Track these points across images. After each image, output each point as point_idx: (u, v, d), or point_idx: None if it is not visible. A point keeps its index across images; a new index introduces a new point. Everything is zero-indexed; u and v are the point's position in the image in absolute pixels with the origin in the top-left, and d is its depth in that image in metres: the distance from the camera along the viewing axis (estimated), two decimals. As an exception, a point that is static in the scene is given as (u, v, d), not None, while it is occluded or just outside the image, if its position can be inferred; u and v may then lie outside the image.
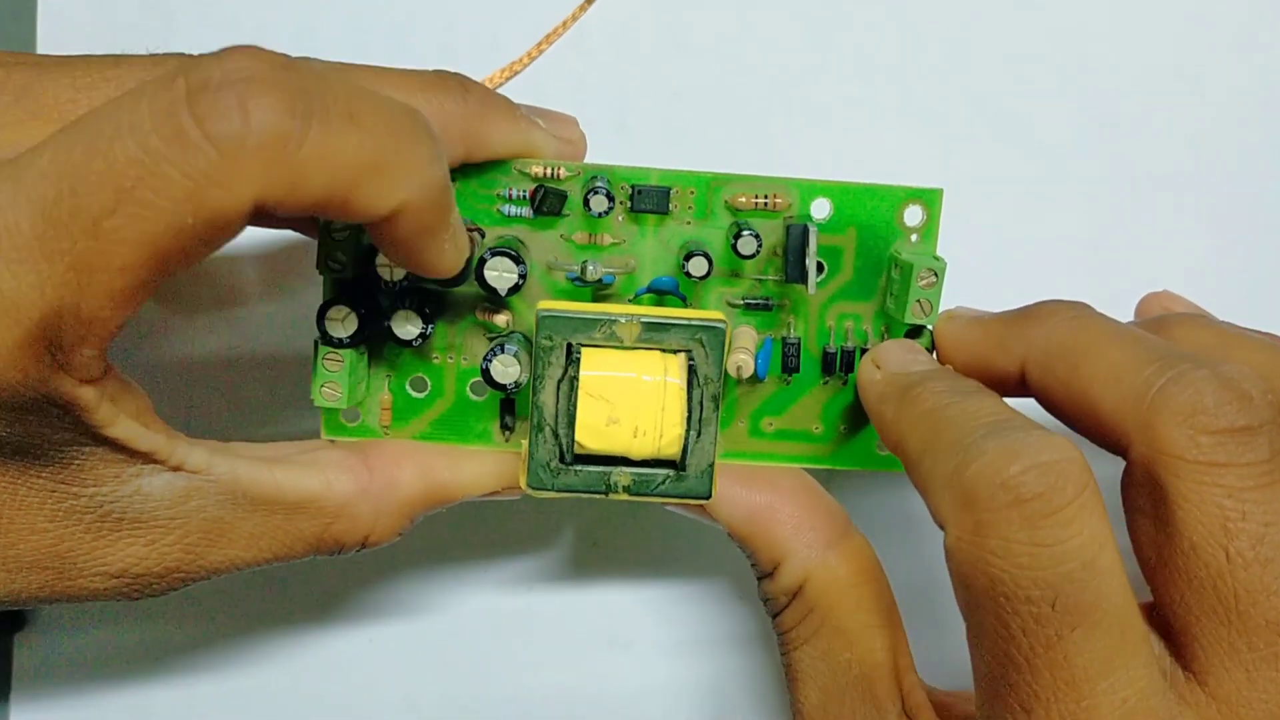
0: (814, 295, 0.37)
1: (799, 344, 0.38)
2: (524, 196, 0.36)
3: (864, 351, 0.37)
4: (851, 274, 0.37)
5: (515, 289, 0.35)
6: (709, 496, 0.36)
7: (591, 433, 0.35)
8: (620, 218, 0.37)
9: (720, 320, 0.35)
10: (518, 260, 0.35)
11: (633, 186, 0.36)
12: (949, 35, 0.43)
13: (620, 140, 0.41)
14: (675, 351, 0.35)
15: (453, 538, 0.44)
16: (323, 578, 0.44)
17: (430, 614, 0.44)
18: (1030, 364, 0.35)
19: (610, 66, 0.42)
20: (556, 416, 0.35)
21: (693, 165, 0.36)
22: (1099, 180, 0.44)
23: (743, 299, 0.37)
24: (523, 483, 0.35)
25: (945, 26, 0.43)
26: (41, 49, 0.41)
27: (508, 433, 0.38)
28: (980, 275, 0.39)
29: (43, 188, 0.27)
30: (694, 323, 0.35)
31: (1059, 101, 0.44)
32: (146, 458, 0.32)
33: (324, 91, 0.28)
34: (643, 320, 0.34)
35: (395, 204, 0.29)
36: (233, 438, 0.35)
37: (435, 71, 0.35)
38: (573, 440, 0.34)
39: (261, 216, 0.28)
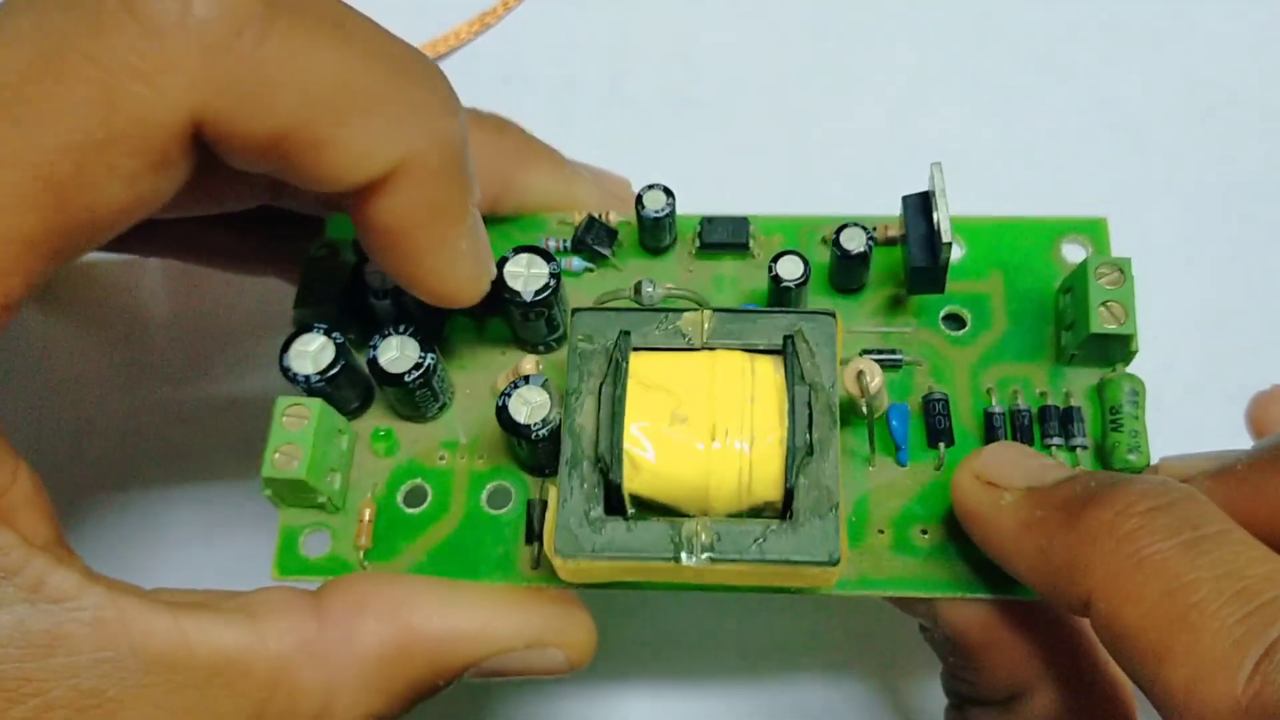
0: (960, 355, 0.27)
1: (946, 401, 0.26)
2: (565, 248, 0.28)
3: (1052, 413, 0.26)
4: (1006, 325, 0.28)
5: (546, 293, 0.26)
6: (836, 561, 0.23)
7: (649, 436, 0.23)
8: (689, 269, 0.28)
9: (827, 310, 0.25)
10: (549, 257, 0.26)
11: (702, 221, 0.28)
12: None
13: (618, 109, 0.32)
14: (766, 353, 0.25)
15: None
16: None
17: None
18: None
19: (607, 19, 0.33)
20: (597, 440, 0.24)
21: (709, 139, 0.28)
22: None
23: (859, 352, 0.27)
24: (549, 548, 0.23)
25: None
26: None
27: (537, 547, 0.26)
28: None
29: None
30: (791, 311, 0.25)
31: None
32: None
33: None
34: (719, 309, 0.25)
35: (394, 156, 0.21)
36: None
37: (472, 109, 0.29)
38: (620, 455, 0.23)
39: (203, 167, 0.21)
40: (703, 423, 0.23)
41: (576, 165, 0.30)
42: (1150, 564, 0.20)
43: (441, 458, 0.27)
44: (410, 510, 0.27)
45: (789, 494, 0.23)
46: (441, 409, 0.27)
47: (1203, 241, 0.35)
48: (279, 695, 0.22)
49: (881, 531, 0.26)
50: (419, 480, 0.27)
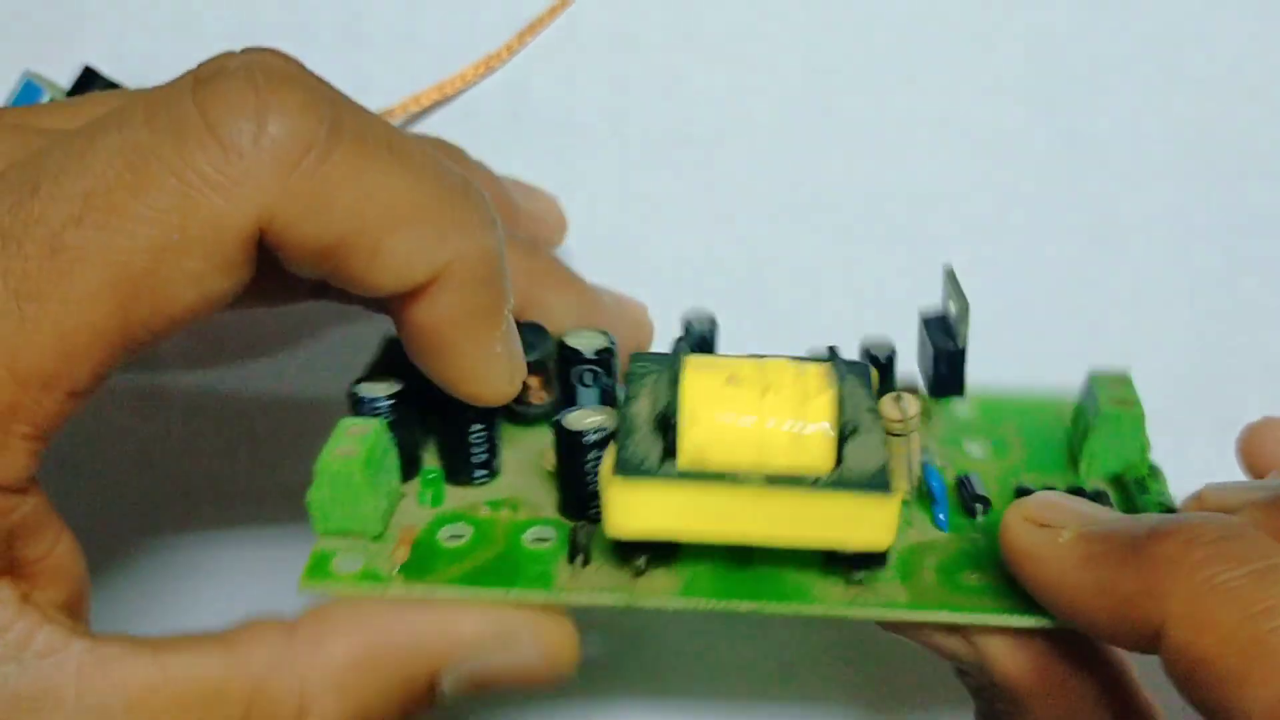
0: (986, 467, 0.29)
1: (978, 479, 0.27)
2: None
3: (1081, 493, 0.27)
4: (1024, 453, 0.29)
5: (605, 355, 0.28)
6: (889, 488, 0.23)
7: (705, 397, 0.24)
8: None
9: (862, 361, 0.27)
10: (605, 333, 0.29)
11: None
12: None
13: (615, 150, 0.32)
14: (809, 371, 0.27)
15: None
16: None
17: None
18: None
19: (609, 63, 0.33)
20: (654, 415, 0.25)
21: (709, 181, 0.30)
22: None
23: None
24: (606, 473, 0.24)
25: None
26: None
27: (580, 562, 0.25)
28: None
29: None
30: (829, 359, 0.27)
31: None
32: None
33: (358, 111, 0.23)
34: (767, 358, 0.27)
35: (437, 264, 0.24)
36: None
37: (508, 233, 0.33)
38: (678, 403, 0.24)
39: (260, 273, 0.23)
40: (754, 383, 0.25)
41: (599, 290, 0.32)
42: (1224, 590, 0.20)
43: (484, 511, 0.27)
44: (450, 544, 0.26)
45: (840, 446, 0.24)
46: (490, 476, 0.28)
47: (1183, 275, 0.36)
48: (255, 708, 0.22)
49: (928, 572, 0.26)
50: (461, 523, 0.27)
